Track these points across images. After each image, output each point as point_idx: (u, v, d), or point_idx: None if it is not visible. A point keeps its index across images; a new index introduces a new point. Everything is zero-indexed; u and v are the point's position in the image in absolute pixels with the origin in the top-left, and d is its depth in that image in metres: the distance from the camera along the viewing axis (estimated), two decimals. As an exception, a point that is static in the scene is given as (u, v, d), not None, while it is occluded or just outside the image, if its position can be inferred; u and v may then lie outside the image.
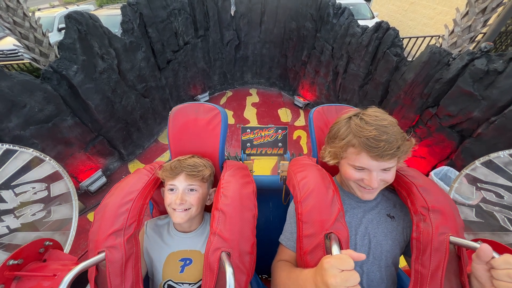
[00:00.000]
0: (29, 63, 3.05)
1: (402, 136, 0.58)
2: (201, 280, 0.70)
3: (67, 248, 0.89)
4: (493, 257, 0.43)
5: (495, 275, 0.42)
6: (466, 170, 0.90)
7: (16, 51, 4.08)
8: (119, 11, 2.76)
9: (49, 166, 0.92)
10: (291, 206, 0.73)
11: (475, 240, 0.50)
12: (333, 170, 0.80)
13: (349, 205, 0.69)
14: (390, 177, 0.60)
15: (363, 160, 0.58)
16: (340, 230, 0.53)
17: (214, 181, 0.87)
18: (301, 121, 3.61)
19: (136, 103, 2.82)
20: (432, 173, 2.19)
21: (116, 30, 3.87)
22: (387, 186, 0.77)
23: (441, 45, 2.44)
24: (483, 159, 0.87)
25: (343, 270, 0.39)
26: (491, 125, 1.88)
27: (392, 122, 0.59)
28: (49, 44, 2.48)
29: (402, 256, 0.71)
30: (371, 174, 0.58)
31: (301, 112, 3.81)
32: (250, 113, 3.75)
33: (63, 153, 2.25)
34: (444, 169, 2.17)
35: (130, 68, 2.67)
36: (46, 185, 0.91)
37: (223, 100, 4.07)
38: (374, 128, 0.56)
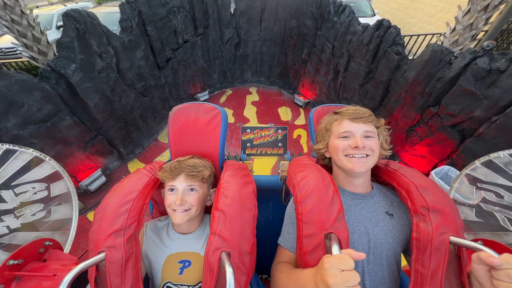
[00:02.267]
0: (28, 61, 3.03)
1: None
2: (200, 282, 0.70)
3: (67, 248, 0.89)
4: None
5: (495, 275, 0.42)
6: (466, 170, 0.90)
7: (14, 49, 4.05)
8: (117, 9, 2.73)
9: (49, 166, 0.92)
10: (289, 207, 0.73)
11: (475, 240, 0.50)
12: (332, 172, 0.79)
13: (345, 202, 0.69)
14: (373, 144, 0.67)
15: (345, 125, 0.70)
16: (340, 230, 0.53)
17: (214, 181, 0.87)
18: (301, 120, 3.60)
19: (135, 102, 2.81)
20: (432, 172, 2.19)
21: (115, 28, 3.85)
22: (386, 185, 0.77)
23: (442, 43, 2.42)
24: (483, 159, 0.87)
25: (343, 270, 0.39)
26: (492, 125, 1.87)
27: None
28: (48, 42, 2.46)
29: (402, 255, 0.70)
30: (355, 137, 0.67)
31: (301, 111, 3.80)
32: (250, 112, 3.74)
33: (62, 153, 2.25)
34: (444, 168, 2.17)
35: (129, 66, 2.65)
36: (46, 185, 0.91)
37: (223, 99, 4.06)
38: (350, 107, 0.76)
